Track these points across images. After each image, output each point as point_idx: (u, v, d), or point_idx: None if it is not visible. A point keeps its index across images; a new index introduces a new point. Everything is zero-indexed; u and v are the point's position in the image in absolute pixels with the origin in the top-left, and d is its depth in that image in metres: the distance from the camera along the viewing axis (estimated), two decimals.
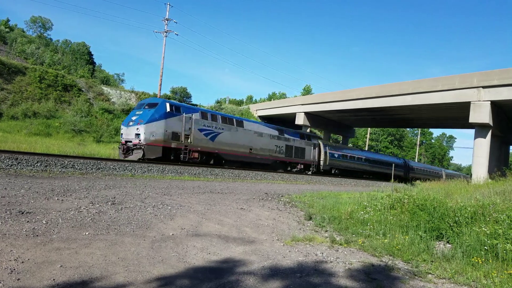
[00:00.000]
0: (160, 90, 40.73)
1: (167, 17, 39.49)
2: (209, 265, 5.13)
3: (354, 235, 7.73)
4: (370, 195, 12.49)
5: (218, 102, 60.69)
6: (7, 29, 50.38)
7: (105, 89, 42.64)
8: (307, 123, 45.41)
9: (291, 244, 6.68)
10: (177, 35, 40.64)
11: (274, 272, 5.04)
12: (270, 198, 12.26)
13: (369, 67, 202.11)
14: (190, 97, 54.16)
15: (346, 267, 5.58)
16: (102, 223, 6.41)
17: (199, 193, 11.40)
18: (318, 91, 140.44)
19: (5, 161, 12.19)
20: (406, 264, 6.12)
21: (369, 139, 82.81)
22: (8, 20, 55.05)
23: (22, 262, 4.29)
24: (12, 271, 4.01)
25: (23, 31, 53.21)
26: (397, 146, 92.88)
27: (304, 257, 5.94)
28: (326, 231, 8.25)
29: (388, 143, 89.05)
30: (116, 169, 15.12)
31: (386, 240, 7.21)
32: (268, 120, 52.74)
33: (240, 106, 61.90)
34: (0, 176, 10.25)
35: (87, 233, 5.71)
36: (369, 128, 78.15)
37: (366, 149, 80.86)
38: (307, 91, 79.59)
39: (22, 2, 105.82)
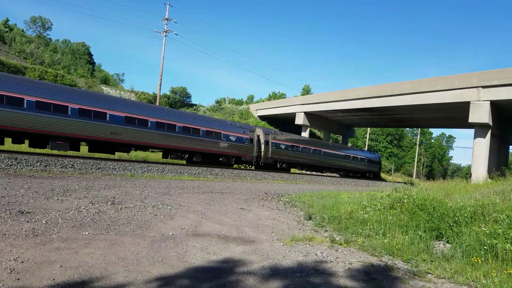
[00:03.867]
0: (160, 90, 40.74)
1: (166, 16, 39.49)
2: (209, 265, 5.13)
3: (353, 235, 7.73)
4: (370, 195, 12.49)
5: (217, 102, 60.60)
6: (6, 29, 50.30)
7: (105, 88, 42.70)
8: (307, 123, 45.40)
9: (291, 244, 6.68)
10: (177, 34, 40.73)
11: (274, 272, 5.04)
12: (270, 198, 12.27)
13: (368, 67, 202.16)
14: (190, 97, 54.10)
15: (346, 267, 5.58)
16: (102, 223, 6.41)
17: (199, 193, 11.40)
18: (318, 91, 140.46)
19: (4, 161, 12.18)
20: (406, 264, 6.12)
21: (369, 139, 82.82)
22: (7, 20, 54.93)
23: (22, 262, 4.29)
24: (12, 271, 4.01)
25: (23, 31, 53.12)
26: (396, 146, 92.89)
27: (304, 257, 5.94)
28: (326, 231, 8.25)
29: (387, 143, 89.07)
30: (116, 169, 15.12)
31: (385, 240, 7.21)
32: (268, 120, 52.71)
33: (240, 106, 61.79)
34: None
35: (87, 233, 5.71)
36: (368, 128, 78.15)
37: (366, 149, 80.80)
38: (306, 91, 79.65)
39: (21, 2, 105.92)
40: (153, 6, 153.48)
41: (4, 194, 7.56)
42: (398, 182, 38.10)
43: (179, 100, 50.92)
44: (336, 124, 51.58)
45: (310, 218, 9.39)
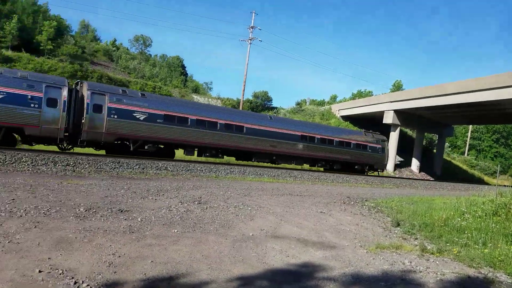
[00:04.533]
0: (243, 95, 42.17)
1: (252, 25, 40.84)
2: (288, 267, 5.12)
3: (448, 244, 7.02)
4: (469, 200, 11.26)
5: (298, 103, 60.44)
6: (114, 48, 57.38)
7: (195, 97, 45.85)
8: (397, 122, 42.56)
9: (376, 252, 6.33)
10: (261, 41, 41.79)
11: (356, 280, 4.82)
12: (352, 202, 11.80)
13: (464, 57, 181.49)
14: (271, 100, 55.16)
15: (438, 278, 5.10)
16: (189, 221, 6.82)
17: (278, 195, 11.48)
18: (409, 87, 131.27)
19: (109, 165, 13.79)
20: (510, 277, 5.36)
21: (471, 137, 74.78)
22: (115, 40, 63.14)
23: (119, 256, 4.75)
24: (110, 264, 4.47)
25: (127, 49, 59.91)
26: (504, 145, 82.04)
27: (390, 266, 5.58)
28: (416, 239, 7.64)
29: (492, 142, 79.26)
30: (202, 170, 16.05)
31: (486, 250, 6.41)
32: (351, 120, 50.91)
33: (322, 106, 60.71)
34: (105, 177, 11.61)
35: (175, 231, 6.13)
36: (470, 126, 70.49)
37: (467, 150, 73.01)
38: (397, 87, 74.85)
39: (126, 23, 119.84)
40: (236, 15, 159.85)
41: (107, 194, 8.52)
42: (504, 185, 33.50)
43: (261, 104, 52.15)
44: (431, 122, 47.35)
45: (398, 225, 8.80)
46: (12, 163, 11.65)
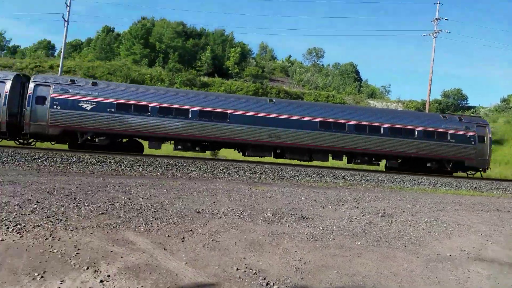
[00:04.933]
0: (429, 95, 38.14)
1: (437, 16, 37.11)
2: None
3: None
4: None
5: (504, 100, 50.75)
6: (289, 64, 61.79)
7: (371, 102, 44.46)
8: None
9: None
10: (449, 33, 37.38)
11: None
12: None
13: None
14: (466, 98, 48.14)
15: None
16: (373, 234, 6.45)
17: (482, 211, 9.67)
18: None
19: (289, 173, 14.61)
20: None
21: None
22: (289, 57, 67.80)
23: (305, 263, 4.84)
24: (297, 270, 4.58)
25: (301, 63, 63.57)
26: None
27: None
28: None
29: None
30: (384, 180, 15.14)
31: None
32: None
33: None
34: (286, 185, 12.28)
35: (359, 243, 5.87)
36: None
37: None
38: None
39: (300, 39, 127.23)
40: (417, 12, 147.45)
41: (290, 201, 8.93)
42: None
43: (453, 104, 46.23)
44: None
45: None
46: (212, 171, 13.69)
